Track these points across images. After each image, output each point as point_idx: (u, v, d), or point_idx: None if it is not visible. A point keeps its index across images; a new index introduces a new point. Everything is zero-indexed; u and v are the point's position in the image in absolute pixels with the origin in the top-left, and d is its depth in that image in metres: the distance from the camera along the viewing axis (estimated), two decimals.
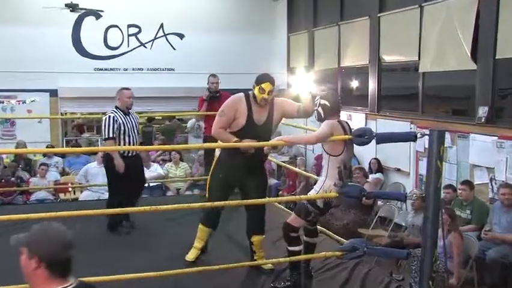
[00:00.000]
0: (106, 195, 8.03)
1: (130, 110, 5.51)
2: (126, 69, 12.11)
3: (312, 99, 3.79)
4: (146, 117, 12.94)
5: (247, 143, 3.79)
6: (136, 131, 5.42)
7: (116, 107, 5.44)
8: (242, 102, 3.99)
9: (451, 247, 5.25)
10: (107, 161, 5.35)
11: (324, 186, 3.59)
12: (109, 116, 5.26)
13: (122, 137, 5.27)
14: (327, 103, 3.62)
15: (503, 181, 6.04)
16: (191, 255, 4.25)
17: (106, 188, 8.15)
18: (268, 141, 3.85)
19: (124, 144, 5.21)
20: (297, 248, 3.72)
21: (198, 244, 4.28)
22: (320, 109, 3.63)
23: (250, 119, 3.95)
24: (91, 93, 11.61)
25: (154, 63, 12.33)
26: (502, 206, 5.66)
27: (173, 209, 3.51)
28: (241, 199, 4.11)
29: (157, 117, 13.37)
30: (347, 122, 3.71)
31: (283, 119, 4.16)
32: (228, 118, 3.96)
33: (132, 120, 5.45)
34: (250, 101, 4.00)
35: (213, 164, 4.29)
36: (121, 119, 5.30)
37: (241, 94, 4.06)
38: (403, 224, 6.95)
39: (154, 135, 12.01)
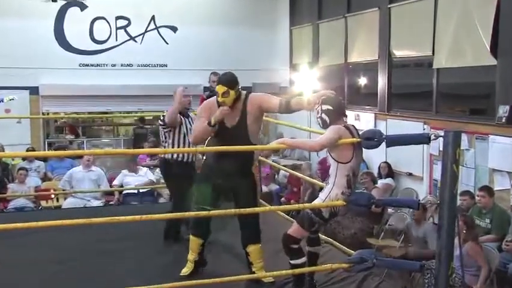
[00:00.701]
0: (93, 203, 8.10)
1: (188, 111, 5.36)
2: (114, 65, 12.12)
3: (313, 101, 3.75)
4: (137, 118, 12.95)
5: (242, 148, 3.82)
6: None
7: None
8: (214, 105, 4.06)
9: (468, 259, 5.23)
10: (165, 167, 5.25)
11: (330, 194, 3.57)
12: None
13: (177, 139, 5.16)
14: (329, 107, 3.61)
15: None
16: (185, 270, 4.23)
17: (93, 194, 8.25)
18: (244, 143, 3.87)
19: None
20: (299, 261, 3.70)
21: (190, 257, 4.27)
22: (323, 115, 3.62)
23: (220, 123, 3.99)
24: (76, 91, 11.63)
25: (145, 58, 12.34)
26: None
27: (164, 218, 3.50)
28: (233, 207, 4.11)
29: (147, 117, 13.36)
30: (354, 126, 3.70)
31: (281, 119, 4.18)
32: (203, 122, 4.05)
33: (191, 122, 5.17)
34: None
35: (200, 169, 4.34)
36: (180, 119, 5.15)
37: (214, 98, 4.12)
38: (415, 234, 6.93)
39: (147, 138, 11.99)
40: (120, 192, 8.78)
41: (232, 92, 3.97)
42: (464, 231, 5.37)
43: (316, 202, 3.67)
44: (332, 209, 3.58)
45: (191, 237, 4.27)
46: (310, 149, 3.72)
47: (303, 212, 3.72)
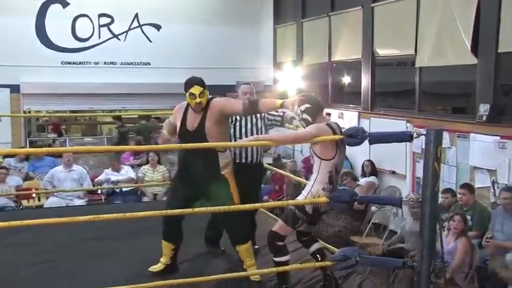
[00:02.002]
0: (76, 202, 8.04)
1: None
2: (97, 63, 12.01)
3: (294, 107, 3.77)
4: (115, 117, 12.81)
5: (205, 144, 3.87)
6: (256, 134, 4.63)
7: None
8: (182, 109, 4.18)
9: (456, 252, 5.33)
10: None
11: (312, 190, 3.60)
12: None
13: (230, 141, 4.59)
14: (308, 105, 3.64)
15: (505, 184, 6.10)
16: (154, 267, 4.25)
17: (75, 193, 8.19)
18: (207, 149, 3.94)
19: (236, 151, 4.59)
20: (284, 259, 3.72)
21: (162, 259, 4.28)
22: (304, 115, 3.65)
23: (183, 126, 4.10)
24: (58, 89, 11.50)
25: (128, 56, 12.25)
26: (505, 211, 5.72)
27: (144, 216, 3.47)
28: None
29: (132, 116, 13.29)
30: (337, 124, 3.73)
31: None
32: (171, 124, 4.24)
33: (249, 122, 4.66)
34: (188, 108, 4.14)
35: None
36: (234, 118, 4.70)
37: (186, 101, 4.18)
38: (399, 231, 6.98)
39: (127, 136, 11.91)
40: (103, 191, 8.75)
41: (206, 92, 4.06)
42: (463, 228, 5.47)
43: (299, 198, 3.69)
44: (315, 205, 3.60)
45: (163, 241, 4.27)
46: (284, 142, 3.75)
47: (287, 209, 3.74)
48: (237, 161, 4.52)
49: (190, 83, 4.08)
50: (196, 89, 4.01)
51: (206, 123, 4.01)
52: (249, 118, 4.61)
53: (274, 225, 3.79)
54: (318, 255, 3.85)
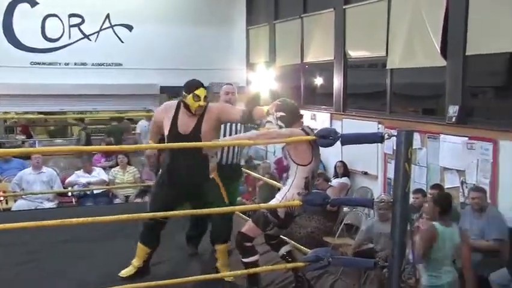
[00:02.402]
0: (45, 204, 7.91)
1: None
2: (67, 64, 11.83)
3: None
4: (77, 118, 12.66)
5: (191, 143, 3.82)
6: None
7: None
8: (172, 109, 4.05)
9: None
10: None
11: (287, 195, 3.60)
12: None
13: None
14: (283, 114, 3.66)
15: (474, 184, 6.22)
16: (125, 271, 4.15)
17: (45, 196, 8.06)
18: (196, 152, 3.89)
19: (218, 153, 4.53)
20: (252, 259, 3.70)
21: (135, 262, 4.19)
22: (279, 122, 3.67)
23: (174, 128, 3.98)
24: (27, 90, 11.27)
25: (100, 57, 12.09)
26: (473, 210, 5.82)
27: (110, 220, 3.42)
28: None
29: (99, 118, 13.14)
30: (310, 128, 3.75)
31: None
32: (156, 125, 4.18)
33: (233, 124, 4.71)
34: (179, 109, 4.02)
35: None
36: None
37: (175, 101, 4.11)
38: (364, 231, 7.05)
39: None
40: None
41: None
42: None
43: (273, 202, 3.69)
44: (288, 209, 3.61)
45: (139, 244, 4.21)
46: (270, 139, 3.76)
47: (259, 211, 3.74)
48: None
49: (195, 84, 4.00)
50: (201, 91, 3.95)
51: (202, 127, 3.96)
52: None
53: (244, 226, 3.78)
54: (288, 258, 3.86)
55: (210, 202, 3.94)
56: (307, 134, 3.62)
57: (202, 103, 3.94)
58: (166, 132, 4.04)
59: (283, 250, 3.89)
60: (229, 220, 4.17)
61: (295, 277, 3.90)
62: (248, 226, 3.74)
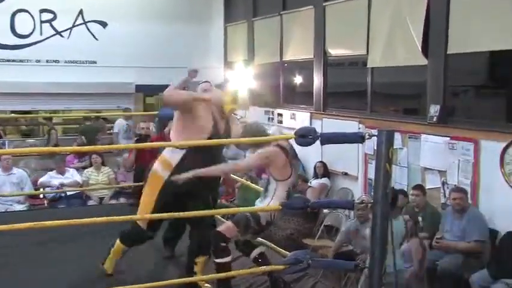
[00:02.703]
0: (16, 207, 7.78)
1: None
2: (39, 61, 11.69)
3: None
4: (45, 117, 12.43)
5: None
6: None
7: None
8: (210, 105, 4.14)
9: (410, 255, 5.44)
10: None
11: (270, 204, 3.64)
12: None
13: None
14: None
15: (455, 185, 6.28)
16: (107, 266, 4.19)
17: (15, 198, 7.92)
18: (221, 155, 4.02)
19: None
20: (226, 260, 3.70)
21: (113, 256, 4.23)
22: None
23: (215, 127, 4.03)
24: None
25: (73, 54, 11.97)
26: (454, 211, 5.87)
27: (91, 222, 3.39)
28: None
29: (77, 117, 12.97)
30: (289, 143, 3.77)
31: None
32: (195, 97, 4.08)
33: None
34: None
35: (155, 181, 4.10)
36: None
37: None
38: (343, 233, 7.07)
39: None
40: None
41: None
42: (414, 230, 5.64)
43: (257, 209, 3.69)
44: (270, 217, 3.62)
45: (118, 242, 4.19)
46: (239, 171, 3.78)
47: (242, 214, 3.72)
48: None
49: (222, 85, 4.11)
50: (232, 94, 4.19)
51: (230, 131, 4.09)
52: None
53: (221, 226, 3.77)
54: (259, 260, 3.87)
55: (197, 206, 3.92)
56: (283, 148, 3.65)
57: (236, 106, 4.08)
58: (209, 127, 4.01)
59: (255, 253, 3.90)
60: (209, 230, 4.13)
61: (271, 281, 3.90)
62: (227, 226, 3.73)
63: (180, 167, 3.85)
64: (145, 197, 4.11)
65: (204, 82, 4.88)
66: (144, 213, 4.00)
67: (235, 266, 3.91)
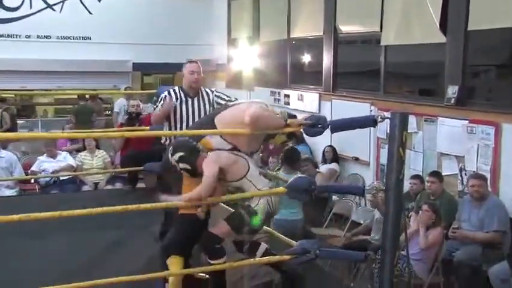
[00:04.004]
0: (5, 192, 7.79)
1: (198, 91, 4.77)
2: (29, 36, 11.69)
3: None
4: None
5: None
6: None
7: (181, 86, 4.85)
8: None
9: (428, 247, 5.45)
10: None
11: (260, 200, 3.62)
12: (163, 94, 4.75)
13: (174, 125, 4.67)
14: (181, 153, 3.57)
15: (473, 171, 6.26)
16: None
17: (5, 182, 7.93)
18: None
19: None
20: (220, 261, 3.64)
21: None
22: (182, 166, 3.59)
23: None
24: None
25: (65, 30, 11.96)
26: (472, 200, 5.86)
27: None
28: None
29: (71, 97, 12.96)
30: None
31: None
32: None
33: (197, 106, 4.70)
34: None
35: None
36: (179, 101, 4.68)
37: None
38: (361, 222, 7.10)
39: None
40: (37, 179, 8.52)
41: None
42: (433, 220, 5.59)
43: (252, 204, 3.60)
44: (269, 209, 3.60)
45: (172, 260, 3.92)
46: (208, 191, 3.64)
47: (235, 213, 3.69)
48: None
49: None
50: None
51: None
52: (195, 100, 4.63)
53: (215, 227, 3.68)
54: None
55: None
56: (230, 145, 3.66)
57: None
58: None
59: (259, 253, 3.88)
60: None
61: (281, 273, 3.91)
62: (220, 227, 3.65)
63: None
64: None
65: (190, 62, 4.78)
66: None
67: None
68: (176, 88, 4.79)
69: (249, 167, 3.62)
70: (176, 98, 4.67)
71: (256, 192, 3.63)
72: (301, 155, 6.50)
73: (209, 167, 3.50)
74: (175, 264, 3.69)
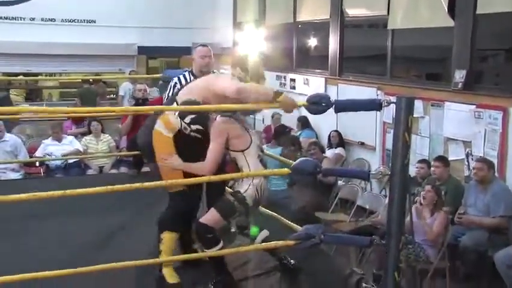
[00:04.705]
0: (10, 175, 7.84)
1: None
2: (33, 19, 11.66)
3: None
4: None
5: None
6: None
7: (191, 70, 4.82)
8: None
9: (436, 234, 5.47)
10: None
11: (254, 181, 3.60)
12: (172, 80, 4.74)
13: None
14: (192, 115, 3.63)
15: (480, 156, 6.25)
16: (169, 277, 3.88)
17: (10, 165, 7.97)
18: None
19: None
20: (216, 248, 3.62)
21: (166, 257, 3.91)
22: (194, 127, 3.64)
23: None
24: None
25: (70, 12, 11.93)
26: (477, 184, 5.86)
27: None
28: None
29: (75, 80, 12.99)
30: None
31: None
32: None
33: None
34: None
35: (165, 143, 3.86)
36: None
37: None
38: (367, 207, 7.11)
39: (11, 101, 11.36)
40: (42, 163, 8.55)
41: None
42: (435, 202, 5.59)
43: (241, 190, 3.58)
44: (256, 196, 3.60)
45: (166, 235, 3.90)
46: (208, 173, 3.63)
47: (224, 201, 3.67)
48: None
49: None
50: None
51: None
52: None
53: (206, 216, 3.65)
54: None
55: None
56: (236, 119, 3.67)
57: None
58: None
59: (260, 238, 3.91)
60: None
61: (279, 261, 3.93)
62: (210, 216, 3.63)
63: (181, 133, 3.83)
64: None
65: (201, 46, 4.77)
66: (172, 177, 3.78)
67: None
68: (186, 73, 4.76)
69: (249, 145, 3.63)
70: (187, 83, 4.62)
71: (265, 171, 3.65)
72: (291, 133, 6.51)
73: (217, 135, 3.54)
74: (167, 239, 3.79)
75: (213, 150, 3.52)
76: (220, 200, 3.68)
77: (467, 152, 6.58)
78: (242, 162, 3.63)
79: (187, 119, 3.63)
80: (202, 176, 3.56)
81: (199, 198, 3.97)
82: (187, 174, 3.65)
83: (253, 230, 3.88)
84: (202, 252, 3.74)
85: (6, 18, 11.48)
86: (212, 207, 3.65)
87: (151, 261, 3.67)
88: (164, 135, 3.74)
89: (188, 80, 4.59)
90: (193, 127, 3.63)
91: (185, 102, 3.62)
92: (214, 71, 4.75)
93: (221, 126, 3.58)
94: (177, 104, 3.72)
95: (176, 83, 4.67)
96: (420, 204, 5.67)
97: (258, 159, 3.63)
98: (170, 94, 4.61)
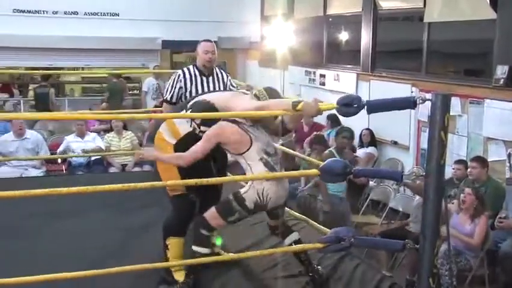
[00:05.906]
0: (31, 172, 7.97)
1: (212, 70, 4.89)
2: (56, 12, 11.81)
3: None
4: (40, 76, 12.50)
5: None
6: None
7: (195, 64, 4.96)
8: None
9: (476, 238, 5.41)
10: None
11: (254, 185, 3.59)
12: (176, 73, 4.89)
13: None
14: (207, 129, 3.71)
15: None
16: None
17: (31, 162, 8.09)
18: None
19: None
20: (201, 251, 3.65)
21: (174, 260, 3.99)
22: (203, 128, 3.77)
23: None
24: (9, 42, 11.29)
25: (93, 5, 12.06)
26: None
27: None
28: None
29: (99, 75, 13.09)
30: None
31: None
32: None
33: (212, 84, 4.84)
34: None
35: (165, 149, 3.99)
36: (190, 80, 4.81)
37: None
38: (400, 210, 7.07)
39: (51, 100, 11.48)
40: (64, 160, 8.67)
41: None
42: (475, 206, 5.52)
43: (241, 190, 3.62)
44: (258, 200, 3.59)
45: (172, 240, 4.01)
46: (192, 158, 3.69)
47: (225, 199, 3.72)
48: None
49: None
50: None
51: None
52: (210, 79, 4.78)
53: (209, 211, 3.69)
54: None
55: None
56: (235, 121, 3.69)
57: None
58: None
59: (289, 240, 3.91)
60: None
61: (306, 267, 3.92)
62: (211, 213, 3.67)
63: (184, 140, 3.89)
64: (162, 165, 4.08)
65: (205, 41, 4.86)
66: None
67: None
68: (190, 67, 4.91)
69: (249, 148, 3.64)
70: (191, 77, 4.79)
71: (292, 172, 3.65)
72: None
73: (206, 140, 3.62)
74: (173, 245, 3.90)
75: (198, 148, 3.59)
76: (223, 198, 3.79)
77: (509, 153, 6.48)
78: (244, 165, 3.69)
79: (198, 120, 3.79)
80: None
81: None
82: (184, 176, 3.73)
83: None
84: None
85: (29, 11, 11.64)
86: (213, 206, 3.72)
87: (164, 264, 3.78)
88: (165, 141, 3.91)
89: (192, 73, 4.79)
90: (203, 128, 3.76)
91: (203, 109, 3.80)
92: (219, 69, 4.89)
93: (214, 133, 3.65)
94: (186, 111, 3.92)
95: (180, 74, 4.81)
96: (460, 208, 5.60)
97: (261, 162, 3.62)
98: (173, 85, 4.79)
